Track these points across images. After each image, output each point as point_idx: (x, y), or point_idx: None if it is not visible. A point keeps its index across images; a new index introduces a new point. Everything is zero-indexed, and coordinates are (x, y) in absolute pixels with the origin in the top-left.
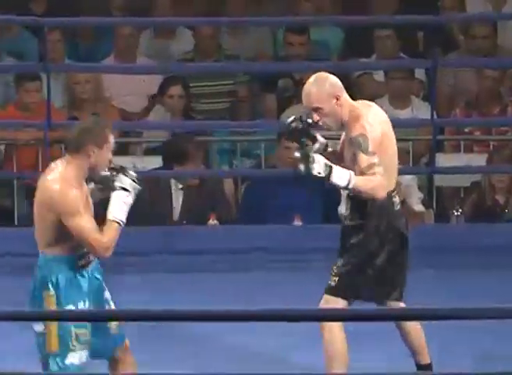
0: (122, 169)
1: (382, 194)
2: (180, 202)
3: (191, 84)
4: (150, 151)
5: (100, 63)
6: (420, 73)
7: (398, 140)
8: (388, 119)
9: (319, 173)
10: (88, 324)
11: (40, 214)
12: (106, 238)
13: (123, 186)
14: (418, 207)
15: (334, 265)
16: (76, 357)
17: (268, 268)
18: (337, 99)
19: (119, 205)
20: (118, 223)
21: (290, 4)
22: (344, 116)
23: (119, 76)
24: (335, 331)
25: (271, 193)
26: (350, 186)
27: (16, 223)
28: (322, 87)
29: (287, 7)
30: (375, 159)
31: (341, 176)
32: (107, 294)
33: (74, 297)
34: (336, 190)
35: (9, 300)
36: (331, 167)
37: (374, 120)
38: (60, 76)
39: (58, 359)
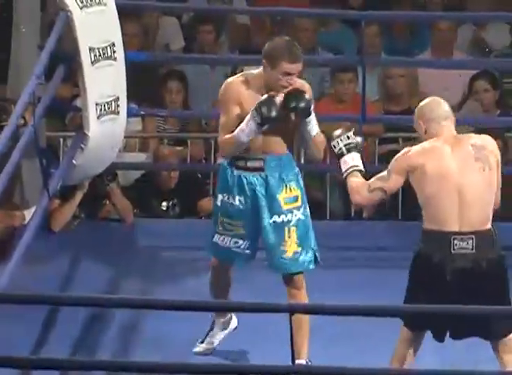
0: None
1: (356, 198)
2: None
3: (505, 80)
4: None
5: (415, 58)
6: None
7: None
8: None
9: (339, 146)
10: (239, 217)
11: None
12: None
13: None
14: None
15: None
16: (220, 238)
17: None
18: (421, 124)
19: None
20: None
21: None
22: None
23: (436, 70)
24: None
25: None
26: (345, 175)
27: (327, 216)
28: (418, 109)
29: None
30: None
31: (347, 162)
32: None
33: (221, 188)
34: None
35: None
36: (350, 150)
37: (418, 150)
38: (375, 70)
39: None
